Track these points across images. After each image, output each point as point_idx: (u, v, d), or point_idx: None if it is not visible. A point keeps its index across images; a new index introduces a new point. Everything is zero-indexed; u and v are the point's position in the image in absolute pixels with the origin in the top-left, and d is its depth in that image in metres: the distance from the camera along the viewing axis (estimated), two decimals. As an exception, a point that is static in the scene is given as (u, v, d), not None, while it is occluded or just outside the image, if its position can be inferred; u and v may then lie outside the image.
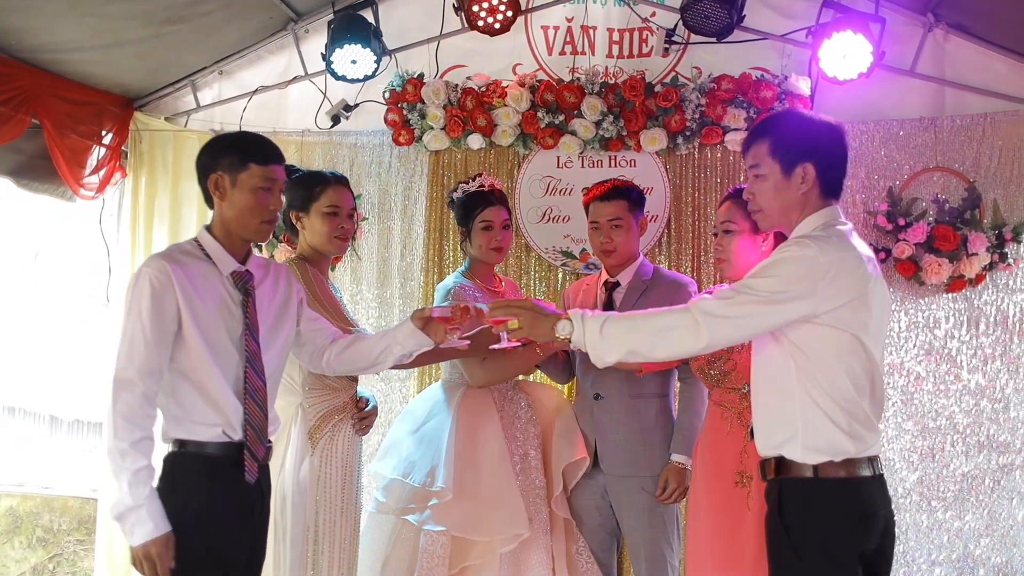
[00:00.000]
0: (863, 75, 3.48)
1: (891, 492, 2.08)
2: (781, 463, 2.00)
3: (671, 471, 2.83)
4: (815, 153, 2.03)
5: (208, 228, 2.17)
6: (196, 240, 2.16)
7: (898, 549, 2.24)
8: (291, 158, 4.00)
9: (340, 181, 2.69)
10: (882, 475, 2.02)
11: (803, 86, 3.68)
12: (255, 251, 2.30)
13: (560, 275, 3.90)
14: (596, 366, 2.07)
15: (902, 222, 3.63)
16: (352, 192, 2.74)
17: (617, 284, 2.98)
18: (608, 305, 2.94)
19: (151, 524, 1.94)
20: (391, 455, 2.93)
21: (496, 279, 3.10)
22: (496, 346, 2.26)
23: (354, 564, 2.69)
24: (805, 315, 1.93)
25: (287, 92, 4.08)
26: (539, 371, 3.20)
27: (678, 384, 2.97)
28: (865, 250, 2.02)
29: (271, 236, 2.57)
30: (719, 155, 3.82)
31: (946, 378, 3.65)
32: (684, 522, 2.99)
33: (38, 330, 4.69)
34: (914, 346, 3.68)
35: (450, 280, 3.04)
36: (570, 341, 2.06)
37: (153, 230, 4.07)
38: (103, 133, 3.92)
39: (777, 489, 2.01)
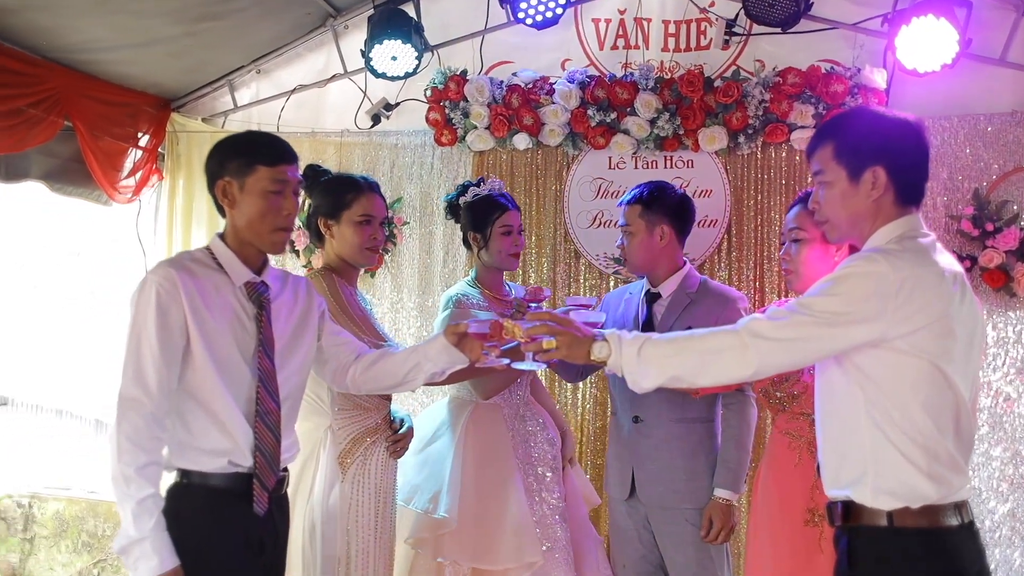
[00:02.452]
0: (947, 66, 3.15)
1: (978, 525, 1.79)
2: (850, 508, 1.74)
3: (715, 508, 2.57)
4: (886, 155, 1.77)
5: (221, 236, 1.99)
6: (208, 248, 1.98)
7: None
8: (330, 159, 3.86)
9: (373, 188, 2.52)
10: (972, 523, 1.74)
11: (878, 79, 3.37)
12: (289, 260, 2.10)
13: (612, 283, 3.66)
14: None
15: (990, 227, 3.29)
16: (384, 199, 2.56)
17: (658, 296, 2.73)
18: (647, 318, 2.69)
19: (156, 559, 1.75)
20: None
21: (503, 287, 2.89)
22: (484, 364, 2.07)
23: (390, 597, 2.50)
24: (871, 340, 1.68)
25: (326, 91, 3.93)
26: (547, 369, 3.01)
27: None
28: (951, 265, 1.75)
29: (288, 246, 2.38)
30: (784, 155, 3.53)
31: (1039, 400, 3.30)
32: (737, 558, 2.71)
33: (84, 333, 4.65)
34: (1003, 364, 3.33)
35: (455, 289, 2.84)
36: (606, 364, 1.83)
37: (191, 233, 3.96)
38: (139, 135, 3.81)
39: (846, 539, 1.75)
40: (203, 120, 3.97)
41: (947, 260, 1.75)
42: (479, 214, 2.79)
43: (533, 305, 2.52)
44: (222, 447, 1.87)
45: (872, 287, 1.66)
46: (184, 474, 1.89)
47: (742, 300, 2.72)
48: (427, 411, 2.98)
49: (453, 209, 2.90)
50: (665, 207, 2.69)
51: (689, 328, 2.52)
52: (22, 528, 4.56)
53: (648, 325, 2.67)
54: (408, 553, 2.64)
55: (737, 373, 1.78)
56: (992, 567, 3.17)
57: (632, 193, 2.72)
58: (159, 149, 3.93)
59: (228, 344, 1.89)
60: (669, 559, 2.65)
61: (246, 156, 1.94)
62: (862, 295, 1.67)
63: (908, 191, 1.80)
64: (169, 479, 1.91)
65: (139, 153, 3.82)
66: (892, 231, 1.78)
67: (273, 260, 3.80)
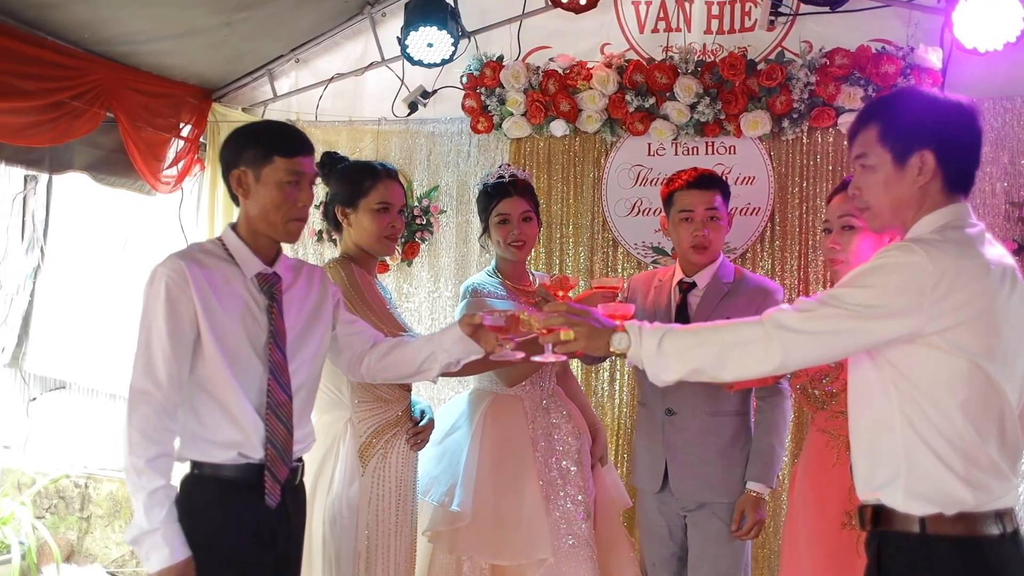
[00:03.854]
0: (1010, 44, 2.96)
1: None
2: (880, 512, 1.65)
3: (747, 501, 2.49)
4: (936, 139, 1.66)
5: (233, 227, 1.98)
6: (220, 239, 1.97)
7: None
8: (367, 147, 3.85)
9: (391, 174, 2.48)
10: (1017, 532, 1.62)
11: (933, 58, 3.20)
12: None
13: (651, 273, 3.56)
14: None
15: (1053, 215, 3.10)
16: (403, 186, 2.52)
17: (693, 285, 2.62)
18: (682, 308, 2.59)
19: (167, 550, 1.76)
20: None
21: (526, 277, 2.82)
22: (499, 356, 2.02)
23: (410, 590, 2.48)
24: (905, 336, 1.58)
25: (364, 79, 3.91)
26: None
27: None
28: (1001, 258, 1.63)
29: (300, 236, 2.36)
30: (831, 140, 3.38)
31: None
32: (771, 559, 2.61)
33: (134, 318, 4.74)
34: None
35: (474, 279, 2.80)
36: (626, 356, 1.76)
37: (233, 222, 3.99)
38: (180, 125, 3.86)
39: (876, 544, 1.66)
40: (243, 110, 3.99)
41: (996, 252, 1.63)
42: (480, 203, 2.77)
43: (560, 293, 2.45)
44: (233, 439, 1.86)
45: (907, 279, 1.56)
46: (196, 465, 1.89)
47: (779, 292, 2.62)
48: (450, 402, 2.95)
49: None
50: (729, 193, 2.65)
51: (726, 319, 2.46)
52: (79, 507, 4.70)
53: (682, 314, 2.58)
54: (428, 547, 2.62)
55: (761, 367, 1.70)
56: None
57: (708, 178, 2.60)
58: (201, 139, 3.97)
59: (239, 336, 1.88)
60: (694, 554, 2.57)
61: (263, 146, 1.93)
62: (896, 287, 1.57)
63: (957, 178, 1.68)
64: (183, 470, 1.92)
65: (181, 143, 3.87)
66: (936, 220, 1.66)
67: (310, 251, 3.84)
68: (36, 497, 4.51)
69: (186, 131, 3.89)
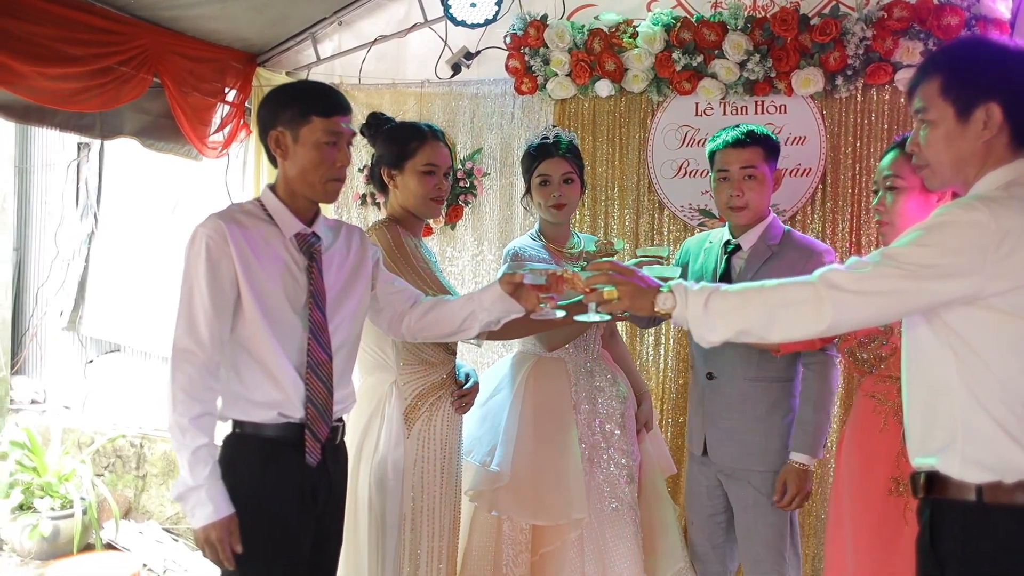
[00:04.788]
0: (1085, -10, 2.81)
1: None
2: (934, 479, 1.59)
3: (790, 472, 2.42)
4: (1003, 90, 1.56)
5: (272, 187, 1.98)
6: (259, 200, 1.97)
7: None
8: (410, 110, 3.83)
9: (437, 136, 2.45)
10: None
11: (1001, 8, 3.03)
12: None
13: (697, 236, 3.49)
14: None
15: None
16: (449, 148, 2.49)
17: (738, 247, 2.56)
18: (725, 271, 2.53)
19: (211, 506, 1.79)
20: None
21: (570, 238, 2.79)
22: (540, 316, 1.98)
23: (454, 553, 2.51)
24: (965, 297, 1.51)
25: (407, 41, 3.87)
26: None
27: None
28: None
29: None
30: (887, 97, 3.25)
31: None
32: (816, 525, 2.56)
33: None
34: None
35: (516, 242, 2.77)
36: (671, 317, 1.72)
37: (278, 187, 4.01)
38: (225, 90, 3.87)
39: (929, 511, 1.60)
40: (287, 74, 3.99)
41: None
42: (524, 164, 2.74)
43: (605, 259, 2.41)
44: (274, 399, 1.88)
45: (969, 238, 1.49)
46: (238, 424, 1.92)
47: (829, 254, 2.51)
48: (494, 365, 2.95)
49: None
50: (777, 150, 2.55)
51: None
52: (135, 466, 4.84)
53: (726, 278, 2.52)
54: (470, 506, 2.64)
55: (810, 328, 1.63)
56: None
57: (746, 132, 2.51)
58: (246, 104, 3.99)
59: (278, 296, 1.89)
60: (739, 522, 2.54)
61: (300, 106, 1.92)
62: (957, 247, 1.50)
63: None
64: (225, 428, 1.95)
65: (227, 108, 3.89)
66: (1001, 177, 1.58)
67: (354, 215, 3.85)
68: (95, 456, 4.66)
69: (231, 96, 3.91)
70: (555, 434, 2.60)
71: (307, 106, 1.91)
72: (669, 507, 2.78)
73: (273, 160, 1.97)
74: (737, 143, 2.49)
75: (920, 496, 1.63)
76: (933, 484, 1.60)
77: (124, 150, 4.55)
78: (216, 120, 3.85)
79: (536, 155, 2.68)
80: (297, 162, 1.92)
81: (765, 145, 2.50)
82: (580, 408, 2.64)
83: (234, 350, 1.89)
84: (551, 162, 2.65)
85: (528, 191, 2.75)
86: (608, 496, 2.60)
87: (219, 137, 3.87)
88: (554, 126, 2.86)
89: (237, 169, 4.13)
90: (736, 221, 2.55)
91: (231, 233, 1.84)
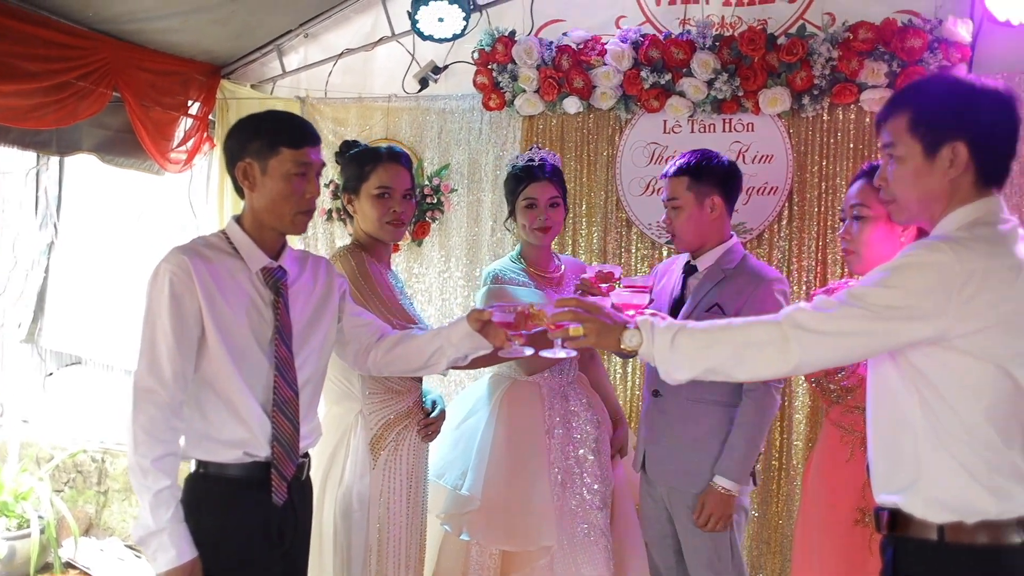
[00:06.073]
0: (1047, 16, 2.85)
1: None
2: (897, 517, 1.60)
3: (710, 495, 2.39)
4: (970, 129, 1.57)
5: (237, 219, 1.94)
6: (224, 232, 1.93)
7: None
8: (377, 125, 3.79)
9: (394, 158, 2.40)
10: None
11: (962, 32, 3.08)
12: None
13: (665, 253, 3.50)
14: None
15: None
16: (410, 170, 2.44)
17: (695, 269, 2.56)
18: (681, 293, 2.55)
19: (174, 551, 1.75)
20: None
21: (552, 262, 2.77)
22: (508, 353, 1.99)
23: (421, 579, 2.48)
24: (929, 338, 1.51)
25: (374, 55, 3.84)
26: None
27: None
28: None
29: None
30: (853, 117, 3.29)
31: None
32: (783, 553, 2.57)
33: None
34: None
35: (496, 265, 2.75)
36: (638, 354, 1.72)
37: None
38: (189, 103, 3.80)
39: (892, 550, 1.62)
40: (252, 86, 3.94)
41: None
42: (508, 186, 2.72)
43: (604, 286, 2.37)
44: (240, 437, 1.84)
45: (934, 280, 1.49)
46: (202, 464, 1.87)
47: (780, 282, 2.47)
48: (470, 387, 2.93)
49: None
50: (715, 176, 2.50)
51: (716, 306, 2.39)
52: (96, 481, 4.74)
53: (680, 300, 2.53)
54: (439, 531, 2.62)
55: (778, 368, 1.64)
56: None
57: (677, 163, 2.53)
58: (210, 116, 3.92)
59: (244, 332, 1.85)
60: (683, 543, 2.53)
61: (269, 137, 1.88)
62: (922, 288, 1.50)
63: (991, 171, 1.59)
64: (187, 468, 1.90)
65: (190, 122, 3.82)
66: (966, 215, 1.58)
67: (320, 231, 3.79)
68: (54, 471, 4.56)
69: (194, 109, 3.84)
70: (527, 459, 2.59)
71: (276, 137, 1.87)
72: (640, 532, 2.78)
73: (240, 192, 1.93)
74: (665, 175, 2.55)
75: (884, 533, 1.65)
76: (896, 522, 1.61)
77: (86, 159, 4.45)
78: (179, 134, 3.78)
79: (523, 177, 2.66)
80: (265, 194, 1.89)
81: (692, 174, 2.49)
82: (554, 432, 2.63)
83: (198, 388, 1.85)
84: (538, 185, 2.64)
85: (512, 213, 2.72)
86: (580, 520, 2.59)
87: (183, 151, 3.79)
88: (539, 147, 2.81)
89: (201, 181, 4.05)
90: (675, 248, 2.60)
91: (195, 268, 1.80)
